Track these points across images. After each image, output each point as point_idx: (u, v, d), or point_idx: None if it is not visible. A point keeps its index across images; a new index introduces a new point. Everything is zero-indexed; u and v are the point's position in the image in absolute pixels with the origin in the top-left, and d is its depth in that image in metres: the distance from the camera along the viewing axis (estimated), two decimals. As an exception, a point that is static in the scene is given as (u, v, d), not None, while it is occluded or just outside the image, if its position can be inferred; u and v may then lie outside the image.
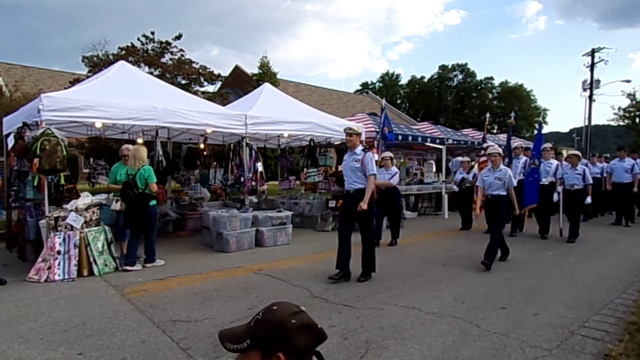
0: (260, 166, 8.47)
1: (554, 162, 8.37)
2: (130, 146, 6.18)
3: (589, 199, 7.95)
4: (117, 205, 5.89)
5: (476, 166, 9.50)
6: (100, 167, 7.86)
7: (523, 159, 8.73)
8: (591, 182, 7.98)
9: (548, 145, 8.60)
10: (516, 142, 9.76)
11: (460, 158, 10.40)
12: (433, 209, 12.43)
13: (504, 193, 6.07)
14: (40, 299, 4.52)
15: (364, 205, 4.97)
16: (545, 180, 8.20)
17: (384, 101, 8.96)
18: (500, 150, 6.42)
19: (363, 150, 5.26)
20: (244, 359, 1.18)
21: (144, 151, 5.97)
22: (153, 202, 5.86)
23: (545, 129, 51.18)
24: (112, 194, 6.10)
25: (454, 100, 46.51)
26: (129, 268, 5.64)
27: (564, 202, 8.18)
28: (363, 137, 5.56)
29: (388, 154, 7.86)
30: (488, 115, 9.96)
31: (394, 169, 7.76)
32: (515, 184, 6.24)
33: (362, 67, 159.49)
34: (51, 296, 4.61)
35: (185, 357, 3.21)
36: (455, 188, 9.70)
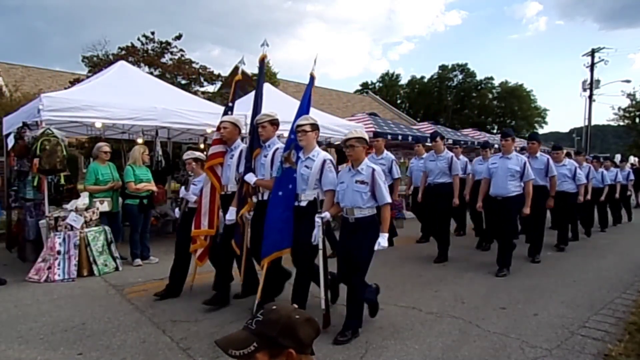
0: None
1: (322, 154, 3.89)
2: (104, 144, 6.26)
3: (382, 241, 3.50)
4: (104, 207, 5.93)
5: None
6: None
7: (320, 152, 3.97)
8: (388, 201, 3.55)
9: (306, 119, 3.89)
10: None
11: (195, 153, 5.02)
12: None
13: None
14: (40, 299, 4.52)
15: None
16: (304, 198, 3.84)
17: None
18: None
19: None
20: None
21: (135, 150, 6.28)
22: (128, 201, 6.06)
23: (545, 129, 51.13)
24: (93, 195, 5.93)
25: (454, 101, 46.47)
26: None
27: (338, 248, 3.98)
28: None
29: None
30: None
31: None
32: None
33: (363, 67, 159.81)
34: (51, 296, 4.61)
35: (185, 357, 3.22)
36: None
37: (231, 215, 4.22)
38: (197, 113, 6.93)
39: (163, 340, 3.49)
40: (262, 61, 4.57)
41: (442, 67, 47.87)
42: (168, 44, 15.81)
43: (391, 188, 6.69)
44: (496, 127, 44.92)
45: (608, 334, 3.59)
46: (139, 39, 15.54)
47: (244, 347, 1.16)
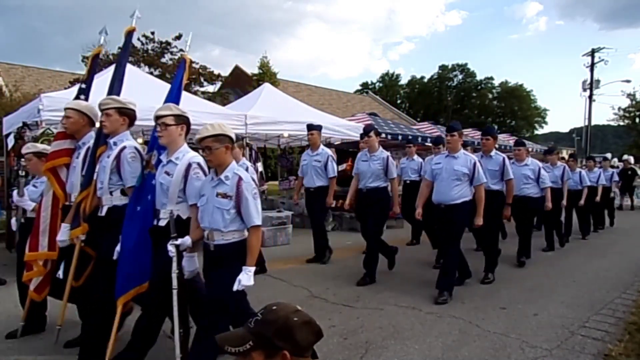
0: (260, 166, 8.48)
1: (188, 156, 2.90)
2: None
3: (244, 279, 2.55)
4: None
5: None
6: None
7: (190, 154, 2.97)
8: (255, 223, 2.65)
9: (169, 109, 2.96)
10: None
11: (37, 146, 4.00)
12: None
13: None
14: (40, 299, 4.51)
15: None
16: (164, 215, 2.88)
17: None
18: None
19: None
20: None
21: None
22: None
23: (545, 129, 51.12)
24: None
25: (454, 101, 46.50)
26: None
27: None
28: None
29: None
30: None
31: None
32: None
33: (363, 67, 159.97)
34: (51, 296, 4.60)
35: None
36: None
37: (62, 235, 3.16)
38: (197, 113, 6.89)
39: (163, 341, 3.49)
40: (129, 34, 3.72)
41: (442, 67, 47.93)
42: (168, 44, 15.86)
43: (326, 190, 6.00)
44: (496, 127, 44.97)
45: (608, 334, 3.59)
46: (139, 39, 15.58)
47: (240, 344, 1.17)
